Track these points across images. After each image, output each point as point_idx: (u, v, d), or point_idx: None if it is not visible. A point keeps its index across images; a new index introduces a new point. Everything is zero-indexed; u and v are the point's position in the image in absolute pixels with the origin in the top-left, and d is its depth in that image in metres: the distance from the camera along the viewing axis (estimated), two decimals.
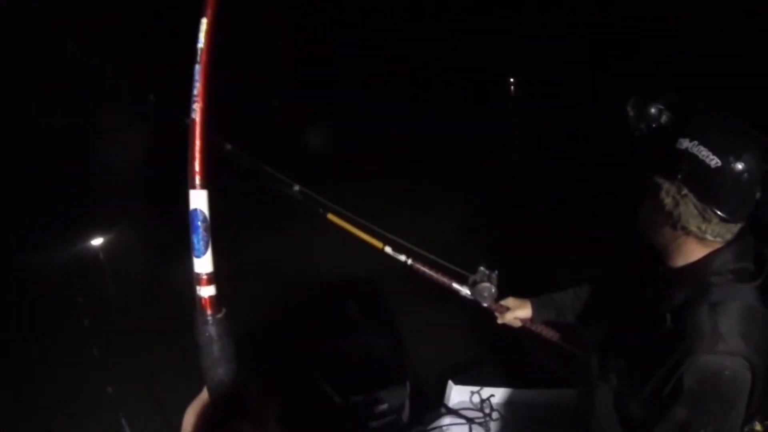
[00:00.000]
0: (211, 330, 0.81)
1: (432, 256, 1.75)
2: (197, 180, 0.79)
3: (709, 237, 1.13)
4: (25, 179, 4.54)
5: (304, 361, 2.09)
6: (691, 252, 1.18)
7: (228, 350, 0.82)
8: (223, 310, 0.82)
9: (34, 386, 3.04)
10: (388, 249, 1.66)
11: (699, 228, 1.13)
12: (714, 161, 1.05)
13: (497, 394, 2.02)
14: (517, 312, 1.78)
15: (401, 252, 1.68)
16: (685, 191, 1.10)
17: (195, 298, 0.82)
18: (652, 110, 1.18)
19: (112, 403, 2.10)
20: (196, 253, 0.79)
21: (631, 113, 1.21)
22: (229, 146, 1.53)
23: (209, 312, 0.81)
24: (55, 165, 4.68)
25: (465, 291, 1.71)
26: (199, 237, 0.79)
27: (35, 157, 4.69)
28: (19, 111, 4.86)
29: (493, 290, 1.68)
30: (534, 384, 2.05)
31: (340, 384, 1.99)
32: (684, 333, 1.10)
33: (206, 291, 0.81)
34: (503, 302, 1.76)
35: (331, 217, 1.61)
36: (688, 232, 1.14)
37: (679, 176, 1.10)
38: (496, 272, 1.69)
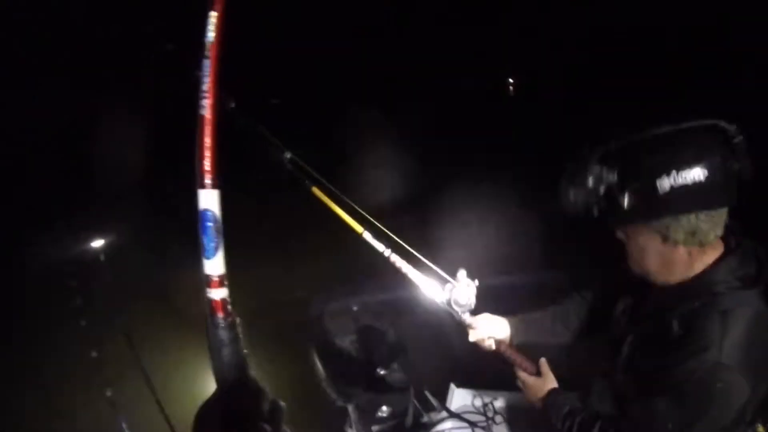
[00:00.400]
0: (222, 333, 0.79)
1: (413, 251, 1.57)
2: (207, 179, 0.77)
3: (719, 234, 1.14)
4: (27, 178, 4.50)
5: (308, 365, 2.08)
6: (697, 263, 1.17)
7: (240, 354, 0.81)
8: (235, 313, 0.81)
9: (30, 388, 3.01)
10: (367, 235, 1.52)
11: (715, 235, 1.13)
12: (700, 174, 1.04)
13: (499, 398, 2.01)
14: (494, 330, 1.59)
15: (381, 240, 1.53)
16: (693, 217, 1.09)
17: (204, 301, 0.80)
18: (590, 180, 1.13)
19: (112, 406, 2.08)
20: (206, 254, 0.77)
21: (574, 198, 1.15)
22: (233, 104, 1.43)
23: (220, 315, 0.79)
24: (57, 163, 4.64)
25: (440, 297, 1.52)
26: (210, 238, 0.77)
27: (38, 156, 4.65)
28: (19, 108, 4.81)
29: (471, 300, 1.49)
30: None
31: (344, 388, 1.98)
32: (691, 338, 1.10)
33: (217, 293, 0.78)
34: (479, 318, 1.57)
35: (315, 190, 1.53)
36: (703, 245, 1.13)
37: (686, 210, 1.08)
38: (477, 282, 1.50)
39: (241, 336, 0.80)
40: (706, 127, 1.10)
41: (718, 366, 1.05)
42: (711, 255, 1.16)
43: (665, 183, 1.06)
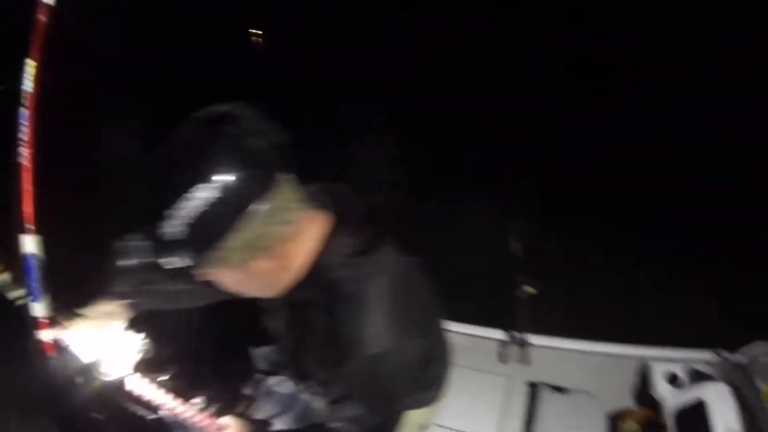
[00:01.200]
0: (55, 373, 0.81)
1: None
2: (29, 224, 0.78)
3: (296, 215, 0.90)
4: None
5: None
6: (300, 254, 0.95)
7: (73, 387, 0.83)
8: (67, 351, 0.82)
9: None
10: None
11: (289, 220, 0.88)
12: (202, 192, 0.78)
13: None
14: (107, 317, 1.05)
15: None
16: (235, 234, 0.82)
17: (32, 343, 0.80)
18: (135, 258, 0.81)
19: None
20: (32, 297, 0.78)
21: (132, 276, 0.90)
22: None
23: (51, 355, 0.80)
24: None
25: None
26: (35, 281, 0.78)
27: None
28: None
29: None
30: None
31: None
32: (335, 338, 0.97)
33: (47, 335, 0.80)
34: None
35: None
36: (281, 240, 0.89)
37: (220, 234, 0.82)
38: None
39: (78, 372, 0.83)
40: (176, 144, 0.81)
41: (370, 358, 0.95)
42: (313, 237, 0.96)
43: (175, 226, 0.80)
